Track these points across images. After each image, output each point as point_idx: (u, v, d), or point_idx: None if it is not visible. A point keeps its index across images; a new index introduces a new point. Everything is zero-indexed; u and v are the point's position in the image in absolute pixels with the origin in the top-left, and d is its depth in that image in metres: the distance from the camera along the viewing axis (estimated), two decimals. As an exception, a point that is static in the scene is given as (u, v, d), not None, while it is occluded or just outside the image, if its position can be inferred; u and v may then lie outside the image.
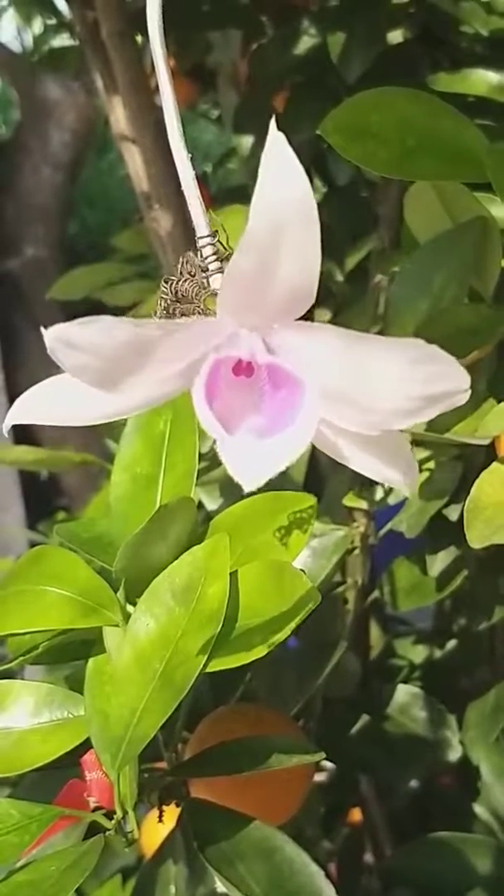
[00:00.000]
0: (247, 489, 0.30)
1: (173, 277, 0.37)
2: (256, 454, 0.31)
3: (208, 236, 0.37)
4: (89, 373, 0.31)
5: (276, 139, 0.28)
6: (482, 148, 0.47)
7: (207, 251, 0.37)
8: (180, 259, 0.38)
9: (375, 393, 0.31)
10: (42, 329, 0.30)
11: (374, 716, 0.69)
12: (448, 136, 0.48)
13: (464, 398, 0.31)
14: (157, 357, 0.31)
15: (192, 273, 0.37)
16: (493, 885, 0.62)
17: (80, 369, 0.31)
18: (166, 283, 0.37)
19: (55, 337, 0.30)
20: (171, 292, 0.37)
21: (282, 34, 0.78)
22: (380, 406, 0.32)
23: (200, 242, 0.37)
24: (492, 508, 0.45)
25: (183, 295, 0.37)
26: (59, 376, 0.34)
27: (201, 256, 0.37)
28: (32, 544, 1.29)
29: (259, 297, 0.31)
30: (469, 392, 0.31)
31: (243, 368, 0.32)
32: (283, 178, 0.28)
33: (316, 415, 0.31)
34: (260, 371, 0.32)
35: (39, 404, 0.35)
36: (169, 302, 0.37)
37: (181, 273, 0.37)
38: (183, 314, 0.37)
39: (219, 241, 0.37)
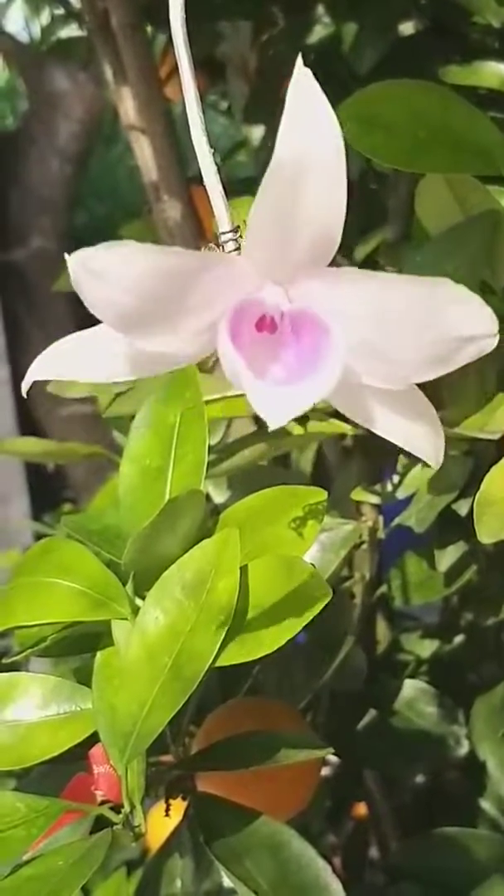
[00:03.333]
0: (272, 427, 0.29)
1: None
2: (282, 396, 0.30)
3: (230, 231, 0.37)
4: (111, 307, 0.30)
5: (302, 74, 0.28)
6: (494, 141, 0.47)
7: (230, 247, 0.37)
8: (201, 247, 0.37)
9: (402, 337, 0.31)
10: (66, 256, 0.29)
11: (380, 710, 0.68)
12: (460, 128, 0.47)
13: (491, 344, 0.31)
14: (183, 297, 0.31)
15: None
16: (499, 881, 0.62)
17: (102, 302, 0.30)
18: None
19: (80, 262, 0.29)
20: None
21: (292, 25, 0.77)
22: (407, 353, 0.31)
23: (223, 238, 0.37)
24: (502, 503, 0.45)
25: None
26: (78, 333, 0.33)
27: (223, 252, 0.37)
28: (38, 536, 1.29)
29: (284, 239, 0.30)
30: (497, 338, 0.31)
31: (267, 324, 0.32)
32: (310, 112, 0.28)
33: (341, 357, 0.30)
34: (283, 326, 0.31)
35: (59, 360, 0.34)
36: None
37: None
38: None
39: (240, 236, 0.37)
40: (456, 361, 0.31)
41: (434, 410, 0.36)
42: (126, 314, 0.31)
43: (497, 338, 0.30)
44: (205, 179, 0.37)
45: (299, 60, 0.28)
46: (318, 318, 0.31)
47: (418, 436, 0.36)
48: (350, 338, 0.31)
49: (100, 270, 0.29)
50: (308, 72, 0.28)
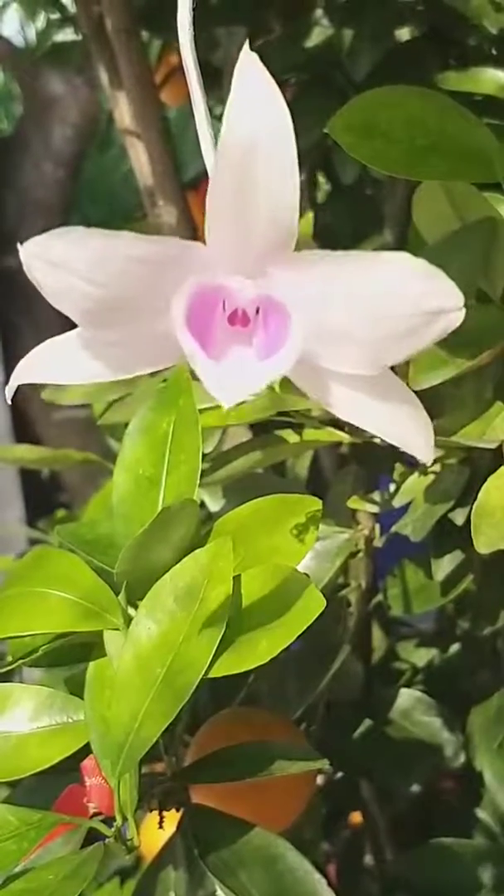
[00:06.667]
0: (226, 405, 0.29)
1: None
2: (238, 373, 0.30)
3: None
4: (71, 296, 0.30)
5: (247, 57, 0.28)
6: (492, 148, 0.47)
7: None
8: None
9: (368, 315, 0.31)
10: (18, 246, 0.29)
11: (376, 720, 0.68)
12: (458, 135, 0.47)
13: (458, 318, 0.31)
14: (144, 283, 0.31)
15: None
16: (494, 892, 0.62)
17: (61, 291, 0.30)
18: None
19: (31, 252, 0.29)
20: None
21: (288, 31, 0.77)
22: (374, 331, 0.31)
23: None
24: (500, 513, 0.45)
25: None
26: (58, 337, 0.33)
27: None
28: (32, 542, 1.28)
29: (242, 225, 0.30)
30: (464, 311, 0.31)
31: (239, 318, 0.31)
32: (256, 95, 0.28)
33: (298, 341, 0.30)
34: (256, 319, 0.31)
35: (41, 365, 0.34)
36: None
37: None
38: None
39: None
40: (425, 338, 0.31)
41: (420, 405, 0.36)
42: (87, 303, 0.31)
43: (463, 311, 0.30)
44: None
45: (245, 46, 0.28)
46: (279, 304, 0.31)
47: (406, 430, 0.36)
48: (317, 322, 0.31)
49: (56, 259, 0.29)
50: (254, 55, 0.27)
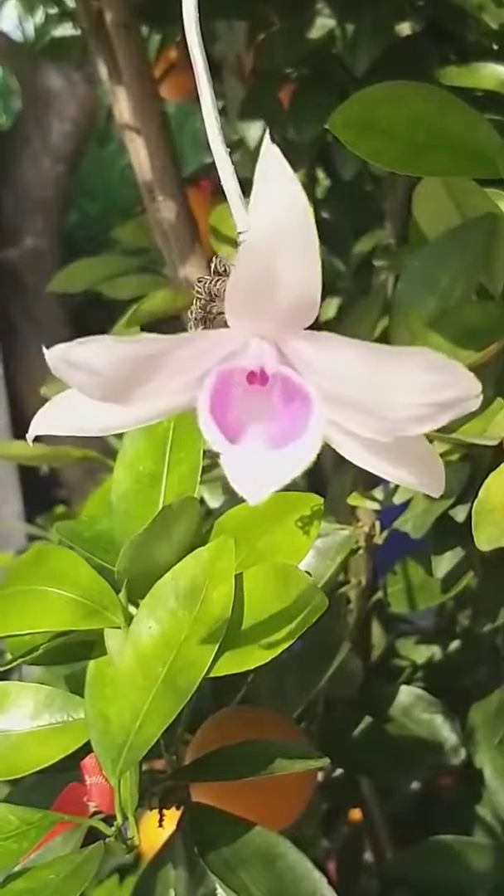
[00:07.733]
0: (251, 502, 0.29)
1: (207, 277, 0.37)
2: (261, 466, 0.30)
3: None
4: (94, 390, 0.31)
5: (270, 151, 0.28)
6: (493, 144, 0.47)
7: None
8: (213, 258, 0.37)
9: (386, 401, 0.31)
10: (44, 349, 0.30)
11: (376, 717, 0.68)
12: (459, 131, 0.47)
13: (475, 404, 0.31)
14: (165, 370, 0.31)
15: (226, 272, 0.37)
16: (495, 890, 0.62)
17: (84, 387, 0.31)
18: (200, 282, 0.37)
19: (56, 356, 0.30)
20: (206, 292, 0.37)
21: (288, 26, 0.77)
22: (391, 414, 0.31)
23: (242, 238, 0.37)
24: (500, 510, 0.45)
25: (216, 294, 0.36)
26: (72, 390, 0.34)
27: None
28: (31, 538, 1.28)
29: (264, 307, 0.30)
30: (480, 398, 0.31)
31: (258, 377, 0.32)
32: (278, 191, 0.28)
33: (321, 430, 0.30)
34: (275, 380, 0.32)
35: (58, 416, 0.35)
36: (205, 301, 0.37)
37: (214, 272, 0.37)
38: (220, 312, 0.36)
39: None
40: (440, 421, 0.31)
41: (431, 447, 0.36)
42: (108, 393, 0.31)
43: (480, 398, 0.30)
44: (223, 181, 0.37)
45: (267, 138, 0.28)
46: (300, 385, 0.31)
47: (416, 474, 0.36)
48: (335, 394, 0.31)
49: (77, 362, 0.30)
50: (275, 148, 0.28)
